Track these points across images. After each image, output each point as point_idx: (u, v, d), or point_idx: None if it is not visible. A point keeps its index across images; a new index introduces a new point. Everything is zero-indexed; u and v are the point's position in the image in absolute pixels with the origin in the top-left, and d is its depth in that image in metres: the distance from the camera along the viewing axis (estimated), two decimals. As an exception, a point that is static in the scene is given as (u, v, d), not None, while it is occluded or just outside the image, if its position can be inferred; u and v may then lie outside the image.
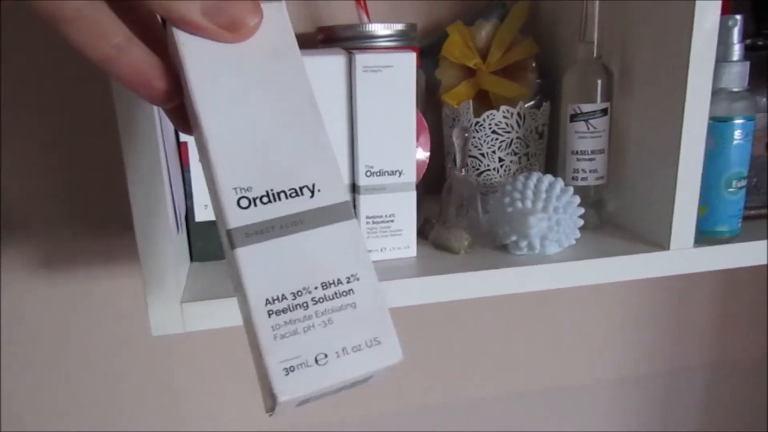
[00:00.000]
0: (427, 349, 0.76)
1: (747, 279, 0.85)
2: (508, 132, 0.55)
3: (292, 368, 0.23)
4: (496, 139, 0.56)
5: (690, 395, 0.90)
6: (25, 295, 0.63)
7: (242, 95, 0.26)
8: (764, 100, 0.52)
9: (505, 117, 0.55)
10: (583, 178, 0.52)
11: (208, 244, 0.46)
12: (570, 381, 0.83)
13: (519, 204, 0.47)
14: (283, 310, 0.24)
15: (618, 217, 0.54)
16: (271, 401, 0.23)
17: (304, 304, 0.24)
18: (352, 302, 0.24)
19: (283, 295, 0.24)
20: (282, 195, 0.25)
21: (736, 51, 0.46)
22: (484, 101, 0.59)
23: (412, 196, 0.46)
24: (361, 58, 0.43)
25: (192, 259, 0.47)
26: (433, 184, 0.57)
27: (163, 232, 0.38)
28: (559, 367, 0.82)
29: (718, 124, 0.46)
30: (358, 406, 0.77)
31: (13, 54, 0.56)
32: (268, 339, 0.23)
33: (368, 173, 0.45)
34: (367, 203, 0.45)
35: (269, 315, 0.24)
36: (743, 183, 0.48)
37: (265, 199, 0.25)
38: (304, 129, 0.26)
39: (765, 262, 0.49)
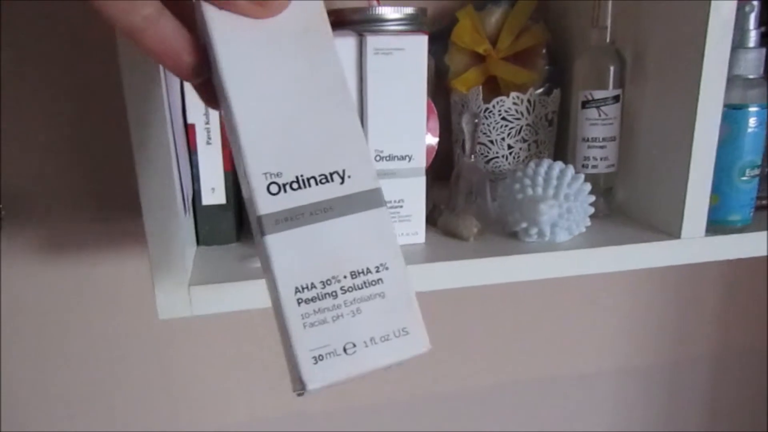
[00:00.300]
0: (433, 337, 0.76)
1: (753, 269, 0.85)
2: (518, 119, 0.55)
3: (320, 357, 0.23)
4: (506, 125, 0.55)
5: (695, 386, 0.90)
6: (28, 279, 0.63)
7: (272, 74, 0.25)
8: (778, 88, 0.51)
9: (515, 103, 0.54)
10: (594, 166, 0.51)
11: (215, 228, 0.46)
12: (575, 370, 0.83)
13: (530, 191, 0.46)
14: (313, 299, 0.24)
15: (628, 205, 0.54)
16: (300, 386, 0.23)
17: (333, 293, 0.24)
18: (381, 292, 0.24)
19: (312, 283, 0.24)
20: (312, 181, 0.24)
21: (753, 37, 0.45)
22: (493, 88, 0.59)
23: (421, 181, 0.45)
24: (372, 40, 0.42)
25: (198, 242, 0.47)
26: (441, 171, 0.57)
27: (171, 214, 0.38)
28: (564, 356, 0.82)
29: (732, 112, 0.46)
30: (363, 394, 0.76)
31: (15, 33, 0.56)
32: (297, 328, 0.23)
33: (378, 158, 0.44)
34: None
35: (299, 303, 0.24)
36: (756, 172, 0.47)
37: (294, 185, 0.24)
38: (335, 111, 0.25)
39: (776, 252, 0.49)
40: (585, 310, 0.80)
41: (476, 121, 0.50)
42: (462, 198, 0.51)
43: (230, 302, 0.40)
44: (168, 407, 0.71)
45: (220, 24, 0.25)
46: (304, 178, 0.24)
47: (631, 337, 0.84)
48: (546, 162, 0.47)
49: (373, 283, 0.24)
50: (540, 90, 0.58)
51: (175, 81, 0.40)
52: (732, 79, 0.45)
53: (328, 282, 0.24)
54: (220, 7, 0.25)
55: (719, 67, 0.44)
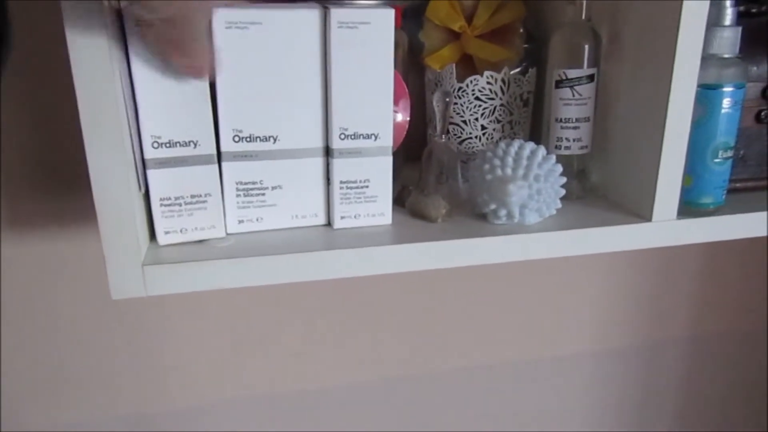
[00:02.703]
0: (403, 320, 0.75)
1: (730, 251, 0.85)
2: (492, 99, 0.54)
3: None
4: (479, 105, 0.54)
5: (671, 368, 0.90)
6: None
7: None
8: (755, 69, 0.50)
9: (489, 83, 0.53)
10: (567, 147, 0.50)
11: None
12: (552, 353, 0.83)
13: (499, 171, 0.45)
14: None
15: (602, 187, 0.53)
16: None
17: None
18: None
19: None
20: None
21: (729, 15, 0.44)
22: (468, 66, 0.57)
23: (388, 161, 0.45)
24: (337, 13, 0.41)
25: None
26: (414, 151, 0.55)
27: (123, 190, 0.37)
28: (541, 339, 0.81)
29: (706, 92, 0.44)
30: (335, 377, 0.76)
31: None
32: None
33: (342, 136, 0.43)
34: (340, 167, 0.44)
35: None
36: (730, 153, 0.46)
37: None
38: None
39: (748, 236, 0.48)
40: (561, 292, 0.80)
41: (447, 99, 0.49)
42: (432, 179, 0.50)
43: (186, 283, 0.39)
44: (133, 387, 0.70)
45: None
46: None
47: (607, 320, 0.83)
48: (517, 142, 0.46)
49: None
50: (517, 69, 0.57)
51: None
52: (707, 59, 0.44)
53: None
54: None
55: (694, 45, 0.43)
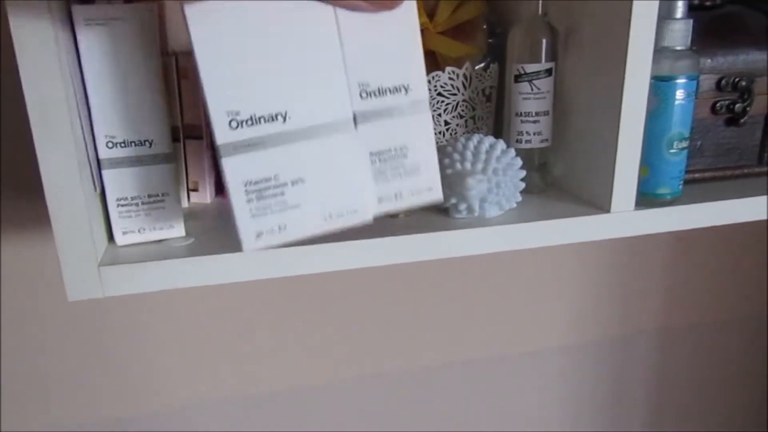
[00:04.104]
0: (374, 318, 0.76)
1: (698, 243, 0.86)
2: (454, 94, 0.54)
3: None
4: (442, 101, 0.54)
5: (644, 360, 0.91)
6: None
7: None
8: (710, 61, 0.51)
9: (450, 78, 0.53)
10: (528, 141, 0.51)
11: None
12: (523, 348, 0.84)
13: (458, 165, 0.45)
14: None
15: (563, 180, 0.53)
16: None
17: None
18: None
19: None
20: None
21: (680, 8, 0.45)
22: (432, 62, 0.57)
23: (426, 119, 0.36)
24: None
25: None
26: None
27: (76, 190, 0.36)
28: (512, 334, 0.82)
29: (660, 84, 0.45)
30: (312, 374, 0.76)
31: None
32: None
33: (363, 94, 0.35)
34: (367, 135, 0.35)
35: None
36: (685, 144, 0.47)
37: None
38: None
39: (705, 225, 0.49)
40: (533, 288, 0.80)
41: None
42: (395, 174, 0.50)
43: (144, 283, 0.39)
44: (105, 391, 0.69)
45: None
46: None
47: (579, 314, 0.84)
48: (476, 137, 0.46)
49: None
50: (481, 65, 0.57)
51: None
52: (660, 51, 0.45)
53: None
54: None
55: (646, 38, 0.43)
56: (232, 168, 0.33)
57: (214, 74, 0.32)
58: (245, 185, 0.33)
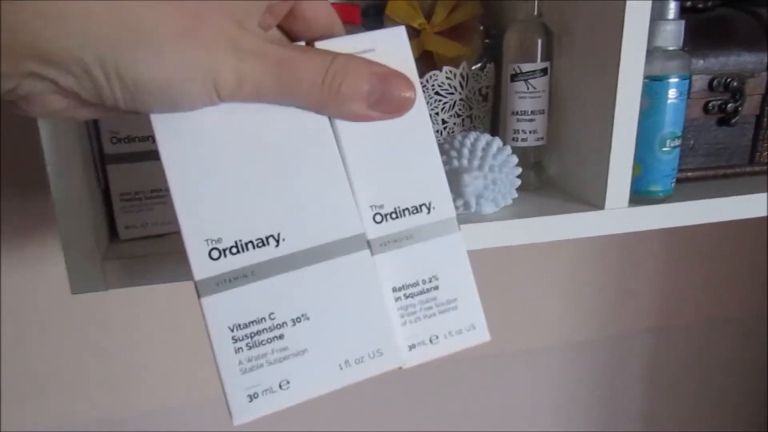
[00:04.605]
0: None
1: (691, 242, 0.87)
2: (451, 93, 0.55)
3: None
4: (439, 100, 0.55)
5: (636, 359, 0.92)
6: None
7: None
8: (702, 62, 0.52)
9: (447, 78, 0.54)
10: (523, 139, 0.52)
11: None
12: (518, 346, 0.85)
13: (455, 162, 0.46)
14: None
15: (558, 179, 0.54)
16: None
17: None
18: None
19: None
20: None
21: (672, 9, 0.46)
22: (429, 62, 0.58)
23: (457, 240, 0.30)
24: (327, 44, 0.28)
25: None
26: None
27: (81, 185, 0.37)
28: (507, 332, 0.83)
29: (652, 83, 0.46)
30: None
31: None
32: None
33: (378, 217, 0.29)
34: (388, 267, 0.29)
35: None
36: (677, 143, 0.48)
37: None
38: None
39: (697, 222, 0.50)
40: (527, 286, 0.81)
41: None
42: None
43: (146, 277, 0.40)
44: (101, 389, 0.70)
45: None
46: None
47: (573, 312, 0.85)
48: (473, 134, 0.47)
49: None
50: (477, 66, 0.58)
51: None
52: (652, 51, 0.46)
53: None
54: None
55: (639, 38, 0.44)
56: (214, 309, 0.26)
57: (188, 193, 0.26)
58: (232, 330, 0.26)
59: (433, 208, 0.29)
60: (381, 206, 0.29)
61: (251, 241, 0.26)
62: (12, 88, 0.22)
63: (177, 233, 0.25)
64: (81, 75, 0.22)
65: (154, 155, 0.41)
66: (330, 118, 0.28)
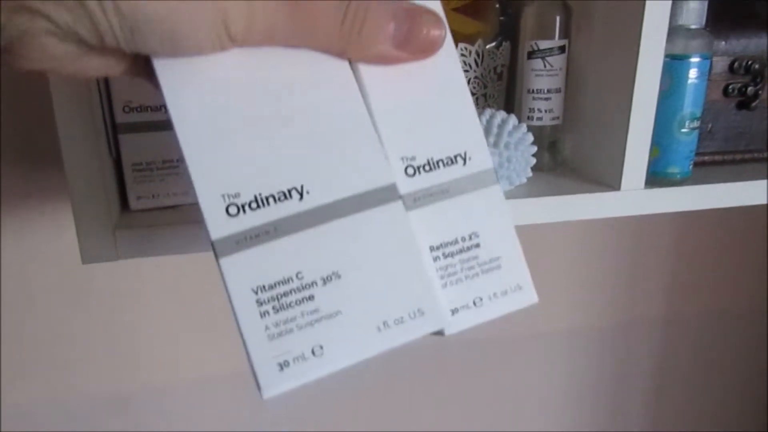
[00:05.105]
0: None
1: (704, 230, 0.86)
2: (466, 71, 0.54)
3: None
4: (454, 78, 0.54)
5: (645, 346, 0.91)
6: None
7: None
8: (723, 43, 0.51)
9: (462, 55, 0.53)
10: (539, 118, 0.51)
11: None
12: (527, 330, 0.84)
13: (470, 140, 0.46)
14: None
15: (573, 159, 0.54)
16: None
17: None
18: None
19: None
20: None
21: (695, -13, 0.45)
22: (444, 40, 0.58)
23: (496, 192, 0.28)
24: None
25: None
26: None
27: (93, 154, 0.37)
28: (516, 315, 0.83)
29: (673, 62, 0.45)
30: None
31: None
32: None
33: (410, 170, 0.26)
34: (423, 224, 0.26)
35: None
36: (696, 124, 0.47)
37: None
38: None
39: (715, 206, 0.49)
40: (537, 268, 0.81)
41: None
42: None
43: (158, 247, 0.40)
44: (104, 361, 0.70)
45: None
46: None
47: (582, 298, 0.85)
48: (488, 111, 0.47)
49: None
50: (493, 43, 0.57)
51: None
52: (674, 30, 0.45)
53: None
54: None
55: (660, 16, 0.43)
56: (236, 271, 0.24)
57: (200, 145, 0.23)
58: (256, 293, 0.24)
59: (469, 158, 0.27)
60: (413, 158, 0.26)
61: (272, 195, 0.24)
62: (3, 24, 0.20)
63: (189, 205, 0.23)
64: (75, 7, 0.20)
65: (166, 125, 0.40)
66: (351, 62, 0.26)
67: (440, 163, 0.27)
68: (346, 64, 0.25)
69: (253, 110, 0.24)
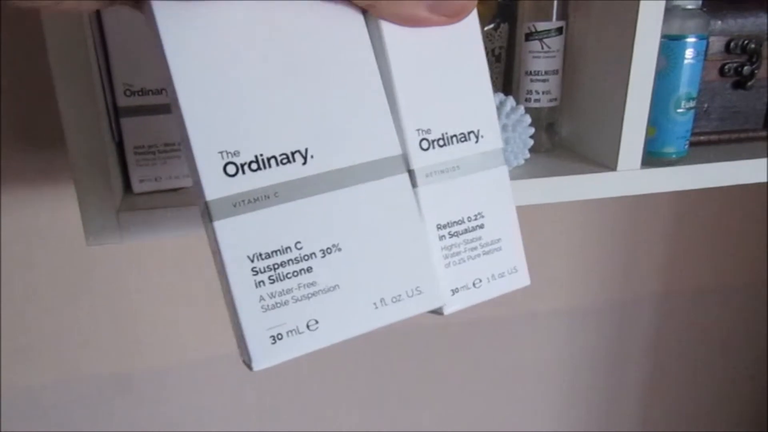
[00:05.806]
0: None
1: (700, 208, 0.87)
2: (464, 53, 0.54)
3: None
4: (452, 60, 0.54)
5: (642, 325, 0.93)
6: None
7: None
8: (720, 23, 0.52)
9: (461, 37, 0.54)
10: (537, 100, 0.51)
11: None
12: (524, 309, 0.85)
13: (468, 121, 0.46)
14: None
15: (571, 140, 0.54)
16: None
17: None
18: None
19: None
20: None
21: (692, -34, 0.45)
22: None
23: (503, 174, 0.27)
24: None
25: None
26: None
27: (95, 137, 0.37)
28: (513, 295, 0.83)
29: (670, 42, 0.46)
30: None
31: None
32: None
33: (425, 143, 0.26)
34: (432, 199, 0.26)
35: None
36: (692, 104, 0.48)
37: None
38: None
39: (711, 185, 0.50)
40: (534, 248, 0.82)
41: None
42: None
43: (161, 230, 0.40)
44: (109, 343, 0.71)
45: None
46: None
47: (580, 276, 0.86)
48: (486, 93, 0.47)
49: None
50: (491, 25, 0.57)
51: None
52: (670, 10, 0.45)
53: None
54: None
55: (657, -4, 0.44)
56: (231, 236, 0.22)
57: (198, 96, 0.21)
58: (252, 260, 0.22)
59: (482, 136, 0.26)
60: (428, 131, 0.25)
61: (274, 156, 0.22)
62: None
63: (192, 188, 0.22)
64: None
65: (167, 108, 0.41)
66: (370, 25, 0.24)
67: (454, 139, 0.26)
68: (361, 20, 0.24)
69: (258, 63, 0.22)
